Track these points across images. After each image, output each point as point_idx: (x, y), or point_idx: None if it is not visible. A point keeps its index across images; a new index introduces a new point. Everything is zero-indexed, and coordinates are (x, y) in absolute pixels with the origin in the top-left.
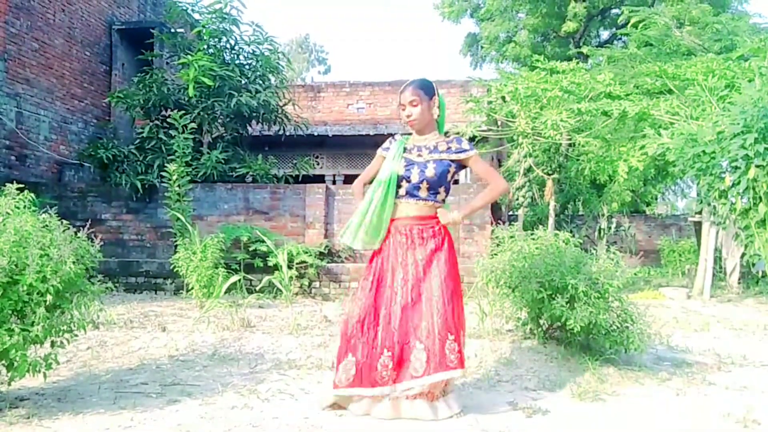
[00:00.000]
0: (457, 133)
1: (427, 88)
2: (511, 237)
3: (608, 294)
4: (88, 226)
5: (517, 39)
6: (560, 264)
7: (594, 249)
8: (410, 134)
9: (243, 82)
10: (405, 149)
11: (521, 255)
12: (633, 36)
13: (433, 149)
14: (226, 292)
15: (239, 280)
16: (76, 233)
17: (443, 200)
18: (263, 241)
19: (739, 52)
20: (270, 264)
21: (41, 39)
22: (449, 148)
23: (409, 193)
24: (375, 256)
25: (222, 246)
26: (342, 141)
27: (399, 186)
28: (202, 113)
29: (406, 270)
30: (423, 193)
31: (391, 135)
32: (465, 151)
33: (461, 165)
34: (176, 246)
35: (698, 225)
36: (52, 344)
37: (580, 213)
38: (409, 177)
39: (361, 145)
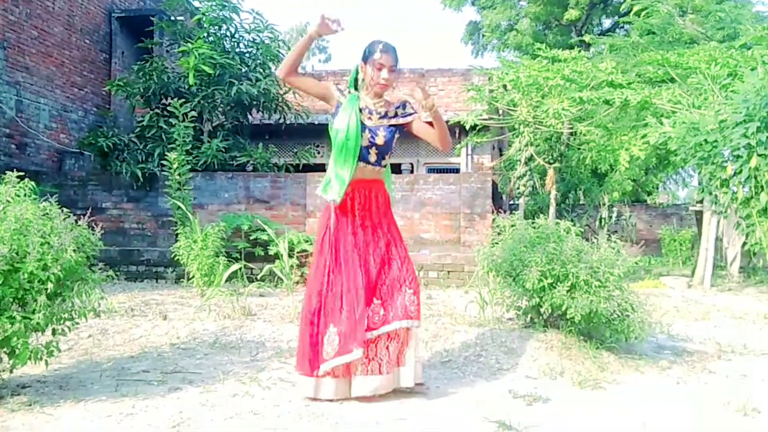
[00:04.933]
0: (457, 123)
1: None
2: (512, 226)
3: (609, 283)
4: (88, 214)
5: (518, 27)
6: (561, 253)
7: (595, 238)
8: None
9: (243, 70)
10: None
11: (522, 244)
12: (635, 24)
13: (384, 115)
14: (226, 281)
15: (240, 269)
16: (76, 221)
17: (386, 165)
18: (264, 230)
19: (742, 40)
20: (271, 253)
21: (40, 27)
22: (396, 114)
23: (361, 159)
24: (329, 220)
25: (223, 235)
26: None
27: None
28: (202, 101)
29: (368, 233)
30: (372, 158)
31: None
32: (408, 115)
33: (402, 129)
34: (177, 235)
35: (699, 214)
36: (54, 332)
37: (581, 202)
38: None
39: None
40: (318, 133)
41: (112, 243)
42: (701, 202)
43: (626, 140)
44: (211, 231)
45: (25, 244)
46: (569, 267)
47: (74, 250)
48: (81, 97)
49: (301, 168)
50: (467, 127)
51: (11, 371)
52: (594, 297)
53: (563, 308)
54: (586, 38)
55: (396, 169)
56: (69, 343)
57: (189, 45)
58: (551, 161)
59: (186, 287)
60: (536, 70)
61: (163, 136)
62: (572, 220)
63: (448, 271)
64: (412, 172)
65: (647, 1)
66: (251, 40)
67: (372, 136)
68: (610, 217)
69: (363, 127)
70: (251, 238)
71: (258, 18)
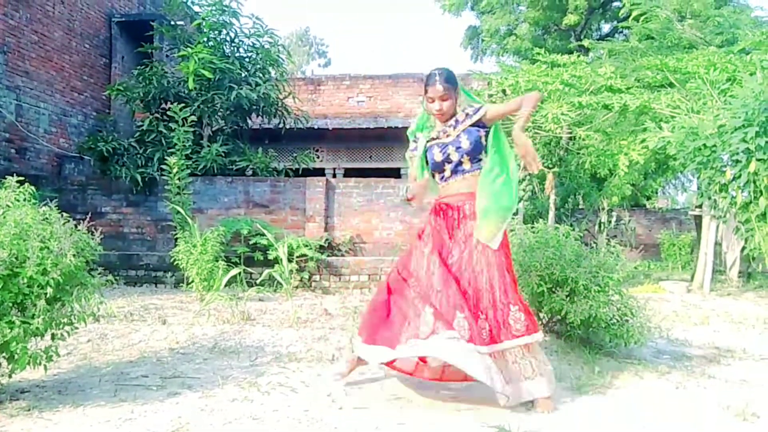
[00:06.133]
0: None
1: (454, 81)
2: (512, 230)
3: (608, 287)
4: (88, 219)
5: (517, 32)
6: (560, 257)
7: (594, 242)
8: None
9: (243, 74)
10: (432, 139)
11: (521, 248)
12: (634, 29)
13: (456, 123)
14: (226, 285)
15: (239, 274)
16: (76, 226)
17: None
18: (263, 235)
19: (740, 45)
20: (270, 257)
21: (40, 31)
22: (468, 115)
23: (455, 172)
24: (425, 230)
25: (222, 239)
26: (342, 134)
27: (443, 170)
28: (202, 106)
29: (458, 244)
30: (467, 166)
31: (392, 127)
32: (479, 109)
33: (484, 126)
34: (176, 239)
35: (698, 219)
36: (53, 337)
37: (581, 206)
38: (448, 158)
39: (361, 139)
40: (317, 137)
41: (111, 247)
42: (700, 206)
43: (625, 145)
44: (210, 235)
45: (25, 249)
46: (568, 272)
47: (74, 255)
48: (81, 101)
49: (300, 172)
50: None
51: (10, 376)
52: (593, 302)
53: (562, 313)
54: (585, 43)
55: (395, 173)
56: (68, 347)
57: (189, 49)
58: (550, 166)
59: (185, 292)
60: (535, 74)
61: (163, 141)
62: (571, 225)
63: None
64: None
65: (646, 6)
66: (251, 44)
67: (457, 147)
68: (610, 221)
69: (444, 146)
70: (251, 242)
71: (258, 23)
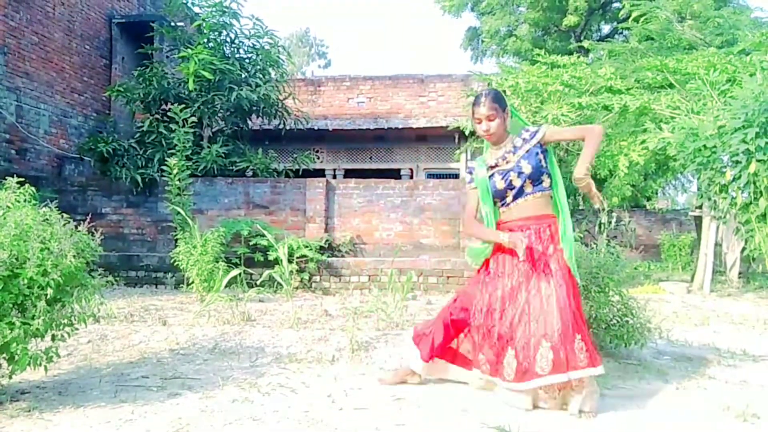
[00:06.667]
0: (457, 128)
1: (501, 101)
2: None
3: (608, 288)
4: (88, 219)
5: (517, 33)
6: None
7: (594, 243)
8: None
9: (243, 75)
10: (489, 167)
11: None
12: (634, 30)
13: (516, 149)
14: (226, 286)
15: (239, 274)
16: (76, 227)
17: (549, 186)
18: (263, 236)
19: (740, 46)
20: (270, 258)
21: (41, 32)
22: (524, 139)
23: (517, 197)
24: (493, 257)
25: (222, 240)
26: (342, 135)
27: (505, 196)
28: (202, 107)
29: (525, 271)
30: (529, 189)
31: (392, 128)
32: (537, 132)
33: (543, 147)
34: (176, 240)
35: (698, 219)
36: (53, 338)
37: (581, 207)
38: (511, 185)
39: (361, 139)
40: (317, 138)
41: (111, 248)
42: (700, 207)
43: (625, 146)
44: (210, 236)
45: (25, 250)
46: None
47: (74, 256)
48: (81, 102)
49: (300, 173)
50: (467, 133)
51: (10, 377)
52: (593, 303)
53: None
54: (585, 44)
55: (395, 174)
56: (68, 348)
57: (189, 51)
58: None
59: (185, 293)
60: (535, 75)
61: (163, 142)
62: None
63: (448, 277)
64: (411, 177)
65: (646, 7)
66: (251, 45)
67: (519, 173)
68: (610, 222)
69: (506, 172)
70: (251, 243)
71: (258, 24)
